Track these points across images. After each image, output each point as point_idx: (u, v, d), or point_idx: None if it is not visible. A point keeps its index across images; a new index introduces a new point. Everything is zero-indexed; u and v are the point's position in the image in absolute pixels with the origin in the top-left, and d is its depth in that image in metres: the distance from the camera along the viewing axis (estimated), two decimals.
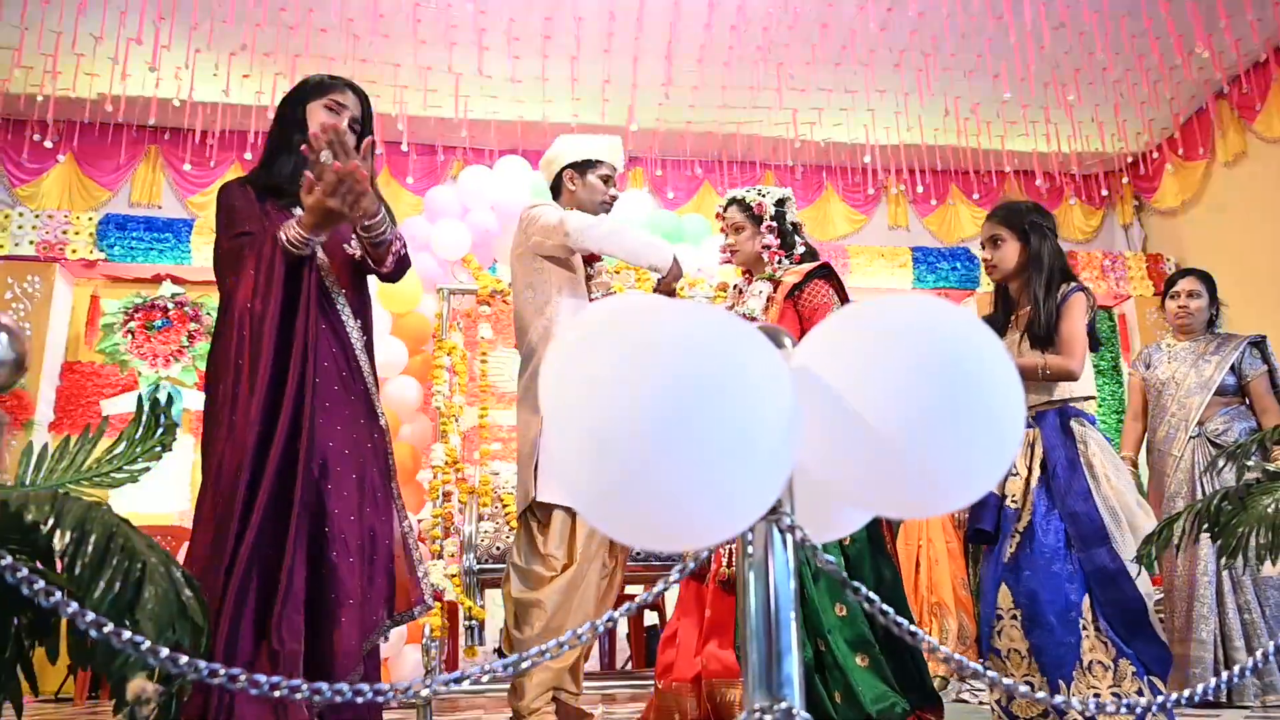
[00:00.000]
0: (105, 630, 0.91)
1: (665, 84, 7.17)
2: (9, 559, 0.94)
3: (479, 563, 4.46)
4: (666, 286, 3.14)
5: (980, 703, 3.99)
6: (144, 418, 1.57)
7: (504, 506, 5.03)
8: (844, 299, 3.10)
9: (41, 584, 0.93)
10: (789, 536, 1.10)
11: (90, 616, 0.92)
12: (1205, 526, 2.41)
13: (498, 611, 5.41)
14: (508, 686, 3.05)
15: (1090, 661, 2.50)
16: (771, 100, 7.45)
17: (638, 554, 4.39)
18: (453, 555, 4.56)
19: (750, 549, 1.10)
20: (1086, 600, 2.54)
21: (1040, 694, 1.18)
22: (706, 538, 1.01)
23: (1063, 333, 2.74)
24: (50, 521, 1.23)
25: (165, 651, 0.90)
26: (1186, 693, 1.24)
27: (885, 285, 8.10)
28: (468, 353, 5.17)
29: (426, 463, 5.16)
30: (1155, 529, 2.55)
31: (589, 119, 7.59)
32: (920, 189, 8.33)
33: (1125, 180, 8.90)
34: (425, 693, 1.07)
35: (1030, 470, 2.71)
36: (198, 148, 7.68)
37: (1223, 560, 2.31)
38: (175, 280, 7.49)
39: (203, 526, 2.24)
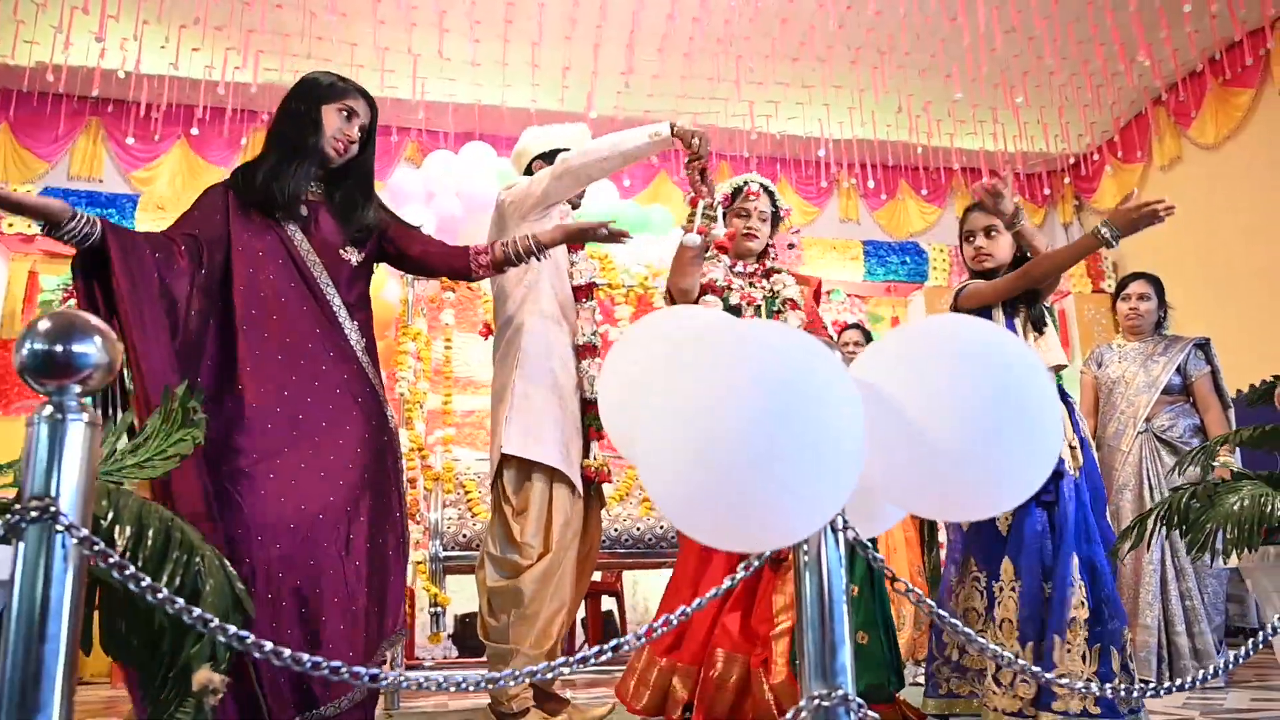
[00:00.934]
0: (212, 625, 0.92)
1: (625, 72, 7.18)
2: (115, 556, 0.95)
3: (445, 549, 4.46)
4: (697, 164, 2.94)
5: None
6: (170, 409, 1.56)
7: (466, 493, 5.02)
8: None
9: (148, 581, 0.95)
10: (841, 535, 1.16)
11: (196, 611, 0.94)
12: (1175, 522, 2.54)
13: (454, 598, 5.40)
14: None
15: (1072, 617, 2.59)
16: (729, 92, 7.51)
17: (604, 542, 4.43)
18: (417, 542, 4.55)
19: (805, 546, 1.16)
20: (1075, 561, 2.61)
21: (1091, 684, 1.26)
22: (782, 540, 1.09)
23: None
24: (110, 516, 1.23)
25: (269, 645, 0.92)
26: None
27: (837, 277, 8.23)
28: (431, 338, 5.15)
29: None
30: (1130, 524, 2.67)
31: (547, 105, 7.57)
32: (871, 183, 8.48)
33: (1066, 180, 9.17)
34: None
35: (1070, 443, 2.75)
36: (142, 121, 7.49)
37: (1192, 553, 2.43)
38: None
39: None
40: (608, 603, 6.40)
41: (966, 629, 1.18)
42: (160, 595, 0.95)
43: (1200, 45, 7.32)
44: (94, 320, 1.08)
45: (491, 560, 2.98)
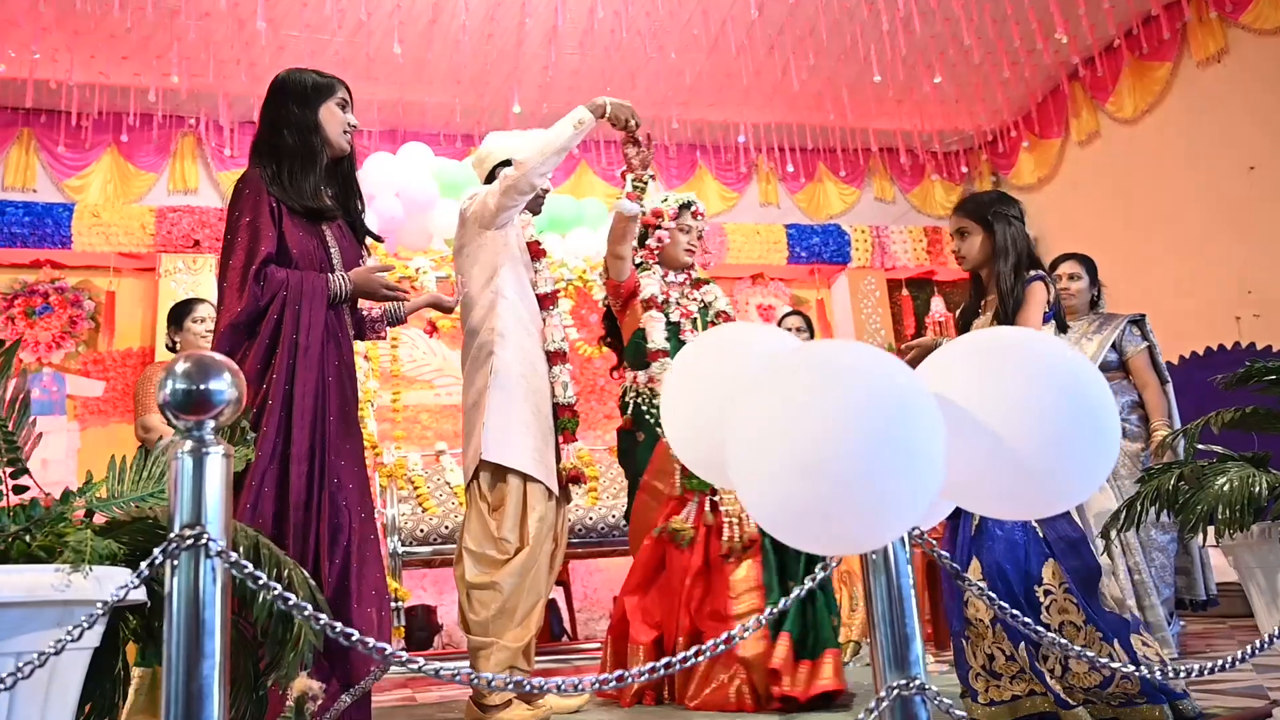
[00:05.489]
0: (343, 630, 1.11)
1: (547, 67, 7.27)
2: (264, 577, 1.07)
3: (403, 545, 4.59)
4: (629, 136, 3.27)
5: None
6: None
7: (415, 489, 5.16)
8: None
9: (294, 599, 1.10)
10: (908, 537, 1.27)
11: (323, 618, 1.12)
12: (1165, 504, 2.52)
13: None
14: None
15: (1062, 623, 2.50)
16: (649, 83, 7.63)
17: (571, 535, 4.61)
18: None
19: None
20: (1050, 566, 2.54)
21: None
22: (871, 545, 1.20)
23: (1018, 323, 2.75)
24: None
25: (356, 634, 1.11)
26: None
27: (761, 262, 8.40)
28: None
29: None
30: (1117, 509, 2.64)
31: (469, 101, 7.72)
32: (790, 167, 8.62)
33: (984, 157, 9.36)
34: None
35: None
36: (73, 130, 7.45)
37: (1185, 534, 2.50)
38: (55, 266, 7.30)
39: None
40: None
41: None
42: (291, 602, 1.11)
43: (1117, 19, 7.40)
44: (222, 359, 1.17)
45: (470, 555, 3.07)
